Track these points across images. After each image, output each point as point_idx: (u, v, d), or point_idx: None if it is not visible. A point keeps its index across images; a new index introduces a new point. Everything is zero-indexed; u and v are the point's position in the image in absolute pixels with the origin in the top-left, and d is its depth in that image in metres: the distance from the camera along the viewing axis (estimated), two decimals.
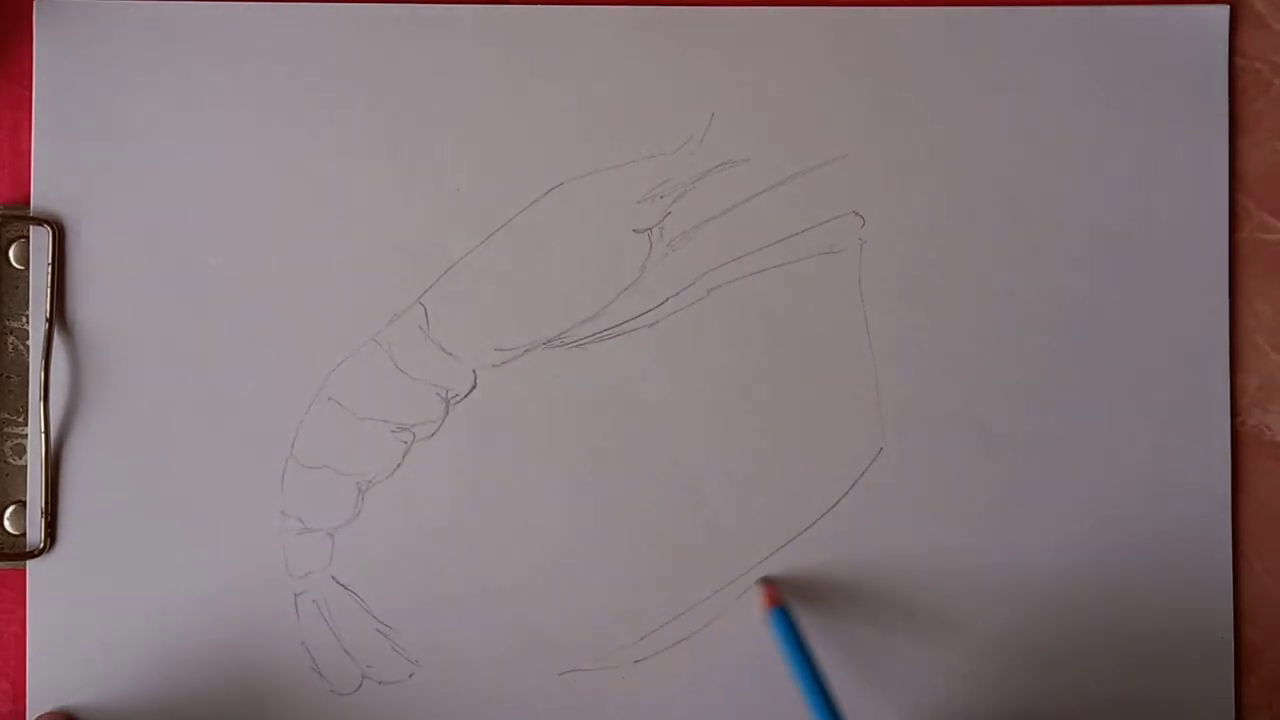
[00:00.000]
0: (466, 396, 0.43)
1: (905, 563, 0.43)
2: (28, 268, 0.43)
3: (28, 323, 0.43)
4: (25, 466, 0.43)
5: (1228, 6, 0.43)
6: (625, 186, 0.43)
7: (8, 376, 0.43)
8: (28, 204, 0.43)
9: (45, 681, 0.42)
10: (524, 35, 0.43)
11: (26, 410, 0.43)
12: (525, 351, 0.43)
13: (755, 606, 0.42)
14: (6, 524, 0.42)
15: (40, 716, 0.42)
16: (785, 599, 0.41)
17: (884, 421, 0.43)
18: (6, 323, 0.43)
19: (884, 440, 0.43)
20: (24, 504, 0.42)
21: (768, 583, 0.42)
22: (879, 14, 0.43)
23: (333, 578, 0.43)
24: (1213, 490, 0.43)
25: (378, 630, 0.43)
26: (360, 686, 0.43)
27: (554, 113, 0.43)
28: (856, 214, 0.43)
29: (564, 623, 0.43)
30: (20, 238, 0.43)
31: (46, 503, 0.42)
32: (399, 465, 0.43)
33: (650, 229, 0.43)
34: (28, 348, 0.43)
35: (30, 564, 0.42)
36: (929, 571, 0.42)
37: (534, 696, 0.43)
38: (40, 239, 0.42)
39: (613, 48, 0.43)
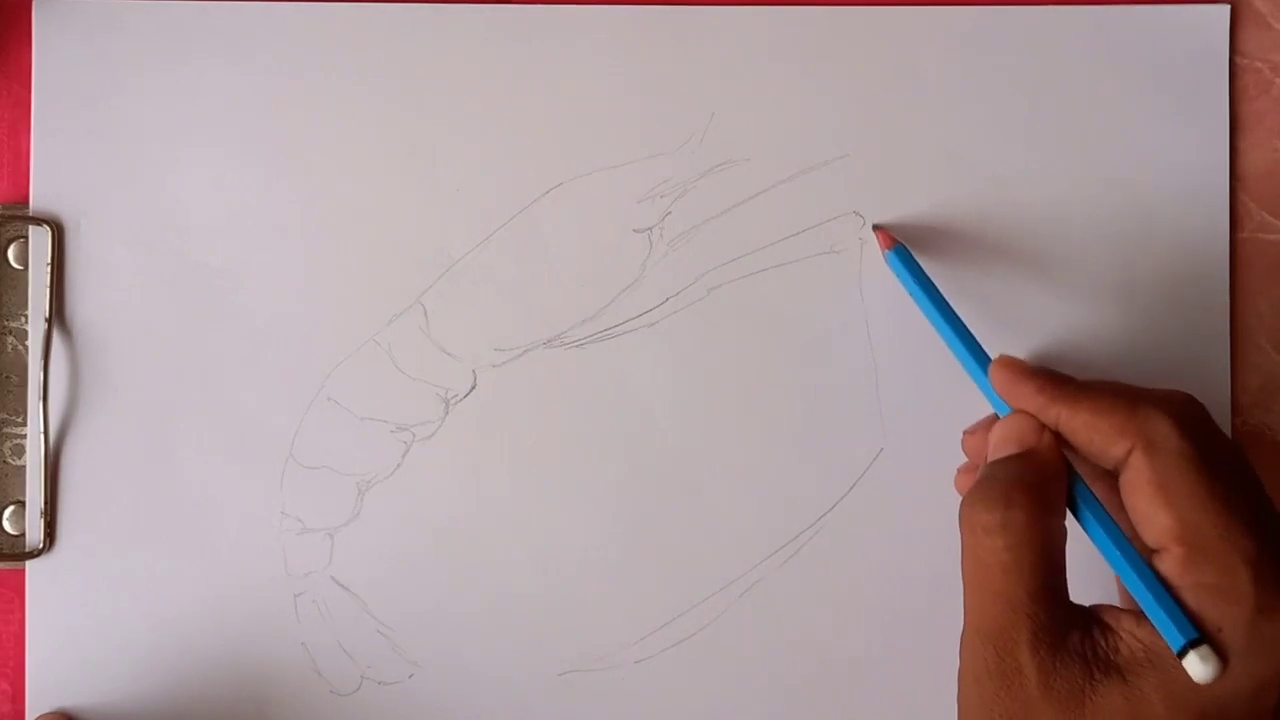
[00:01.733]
0: (466, 396, 0.43)
1: (905, 562, 0.42)
2: (27, 268, 0.43)
3: (27, 323, 0.43)
4: (25, 466, 0.42)
5: (1228, 6, 0.43)
6: (625, 186, 0.43)
7: (7, 376, 0.43)
8: (27, 204, 0.42)
9: (45, 681, 0.42)
10: (524, 35, 0.43)
11: (26, 410, 0.43)
12: (525, 351, 0.43)
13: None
14: (6, 524, 0.42)
15: (40, 717, 0.42)
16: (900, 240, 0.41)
17: (884, 421, 0.43)
18: (6, 323, 0.43)
19: (884, 440, 0.43)
20: (23, 504, 0.42)
21: (879, 229, 0.42)
22: (879, 14, 0.43)
23: (332, 578, 0.43)
24: None
25: (377, 631, 0.43)
26: (360, 687, 0.43)
27: (554, 113, 0.43)
28: (857, 214, 0.43)
29: (564, 623, 0.43)
30: (19, 238, 0.43)
31: (46, 503, 0.42)
32: (399, 465, 0.43)
33: (650, 229, 0.43)
34: (27, 348, 0.43)
35: (30, 564, 0.42)
36: (929, 570, 0.42)
37: (534, 697, 0.43)
38: (40, 239, 0.42)
39: (613, 48, 0.43)
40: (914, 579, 0.42)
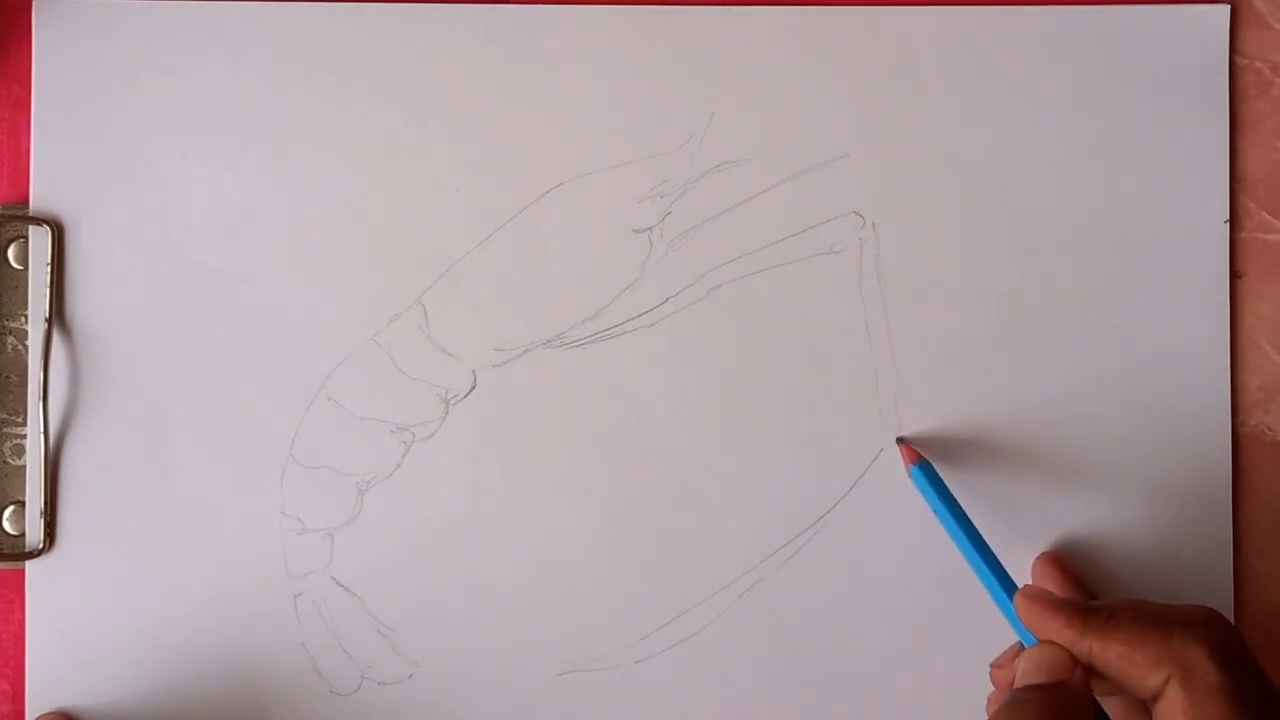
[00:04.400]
0: (466, 396, 0.43)
1: (905, 562, 0.42)
2: (27, 268, 0.43)
3: (27, 323, 0.43)
4: (25, 467, 0.42)
5: (1228, 6, 0.43)
6: (625, 186, 0.43)
7: (7, 376, 0.43)
8: (27, 204, 0.42)
9: (45, 682, 0.42)
10: (524, 35, 0.43)
11: (26, 410, 0.43)
12: (525, 351, 0.43)
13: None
14: (6, 524, 0.42)
15: (40, 717, 0.42)
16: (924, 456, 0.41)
17: (884, 421, 0.43)
18: (6, 323, 0.43)
19: (884, 440, 0.43)
20: (23, 504, 0.42)
21: (903, 442, 0.42)
22: (879, 14, 0.43)
23: (332, 578, 0.43)
24: (1213, 490, 0.43)
25: (377, 631, 0.43)
26: (360, 687, 0.43)
27: (554, 113, 0.43)
28: (857, 214, 0.43)
29: (564, 623, 0.43)
30: (19, 238, 0.43)
31: (46, 503, 0.42)
32: (399, 465, 0.43)
33: (650, 229, 0.43)
34: (27, 348, 0.43)
35: (30, 564, 0.42)
36: (928, 570, 0.42)
37: (534, 697, 0.43)
38: (39, 239, 0.42)
39: (613, 48, 0.43)
40: (914, 579, 0.42)
